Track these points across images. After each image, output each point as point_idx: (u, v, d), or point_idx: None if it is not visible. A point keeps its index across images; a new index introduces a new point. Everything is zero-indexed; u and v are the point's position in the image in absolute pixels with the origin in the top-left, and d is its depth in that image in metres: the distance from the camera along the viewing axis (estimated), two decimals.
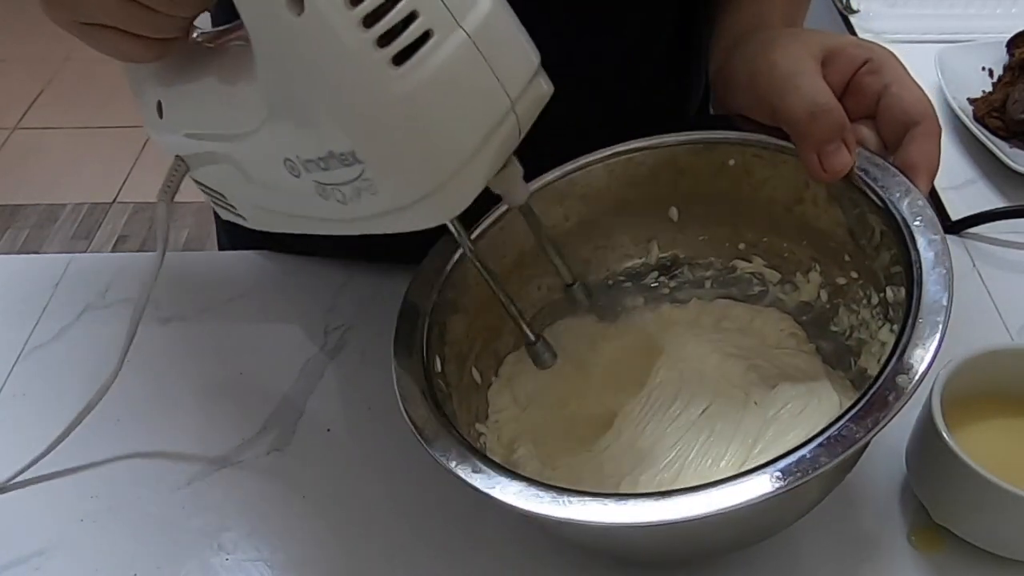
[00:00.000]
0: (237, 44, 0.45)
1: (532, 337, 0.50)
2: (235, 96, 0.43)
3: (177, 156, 0.49)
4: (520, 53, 0.40)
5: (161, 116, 0.49)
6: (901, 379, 0.40)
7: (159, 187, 0.49)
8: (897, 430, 0.51)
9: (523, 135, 0.41)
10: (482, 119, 0.39)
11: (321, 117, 0.38)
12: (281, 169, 0.42)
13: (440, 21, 0.37)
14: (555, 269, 0.52)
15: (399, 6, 0.36)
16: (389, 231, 0.42)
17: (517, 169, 0.44)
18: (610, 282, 0.60)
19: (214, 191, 0.50)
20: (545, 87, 0.41)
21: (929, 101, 0.51)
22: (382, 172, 0.39)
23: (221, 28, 0.46)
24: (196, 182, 0.50)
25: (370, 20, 0.35)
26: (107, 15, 0.42)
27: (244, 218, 0.50)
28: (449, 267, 0.52)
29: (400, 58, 0.36)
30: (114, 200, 2.19)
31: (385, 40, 0.36)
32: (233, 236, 0.79)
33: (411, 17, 0.36)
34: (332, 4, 0.35)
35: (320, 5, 0.35)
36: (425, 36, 0.36)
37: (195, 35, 0.47)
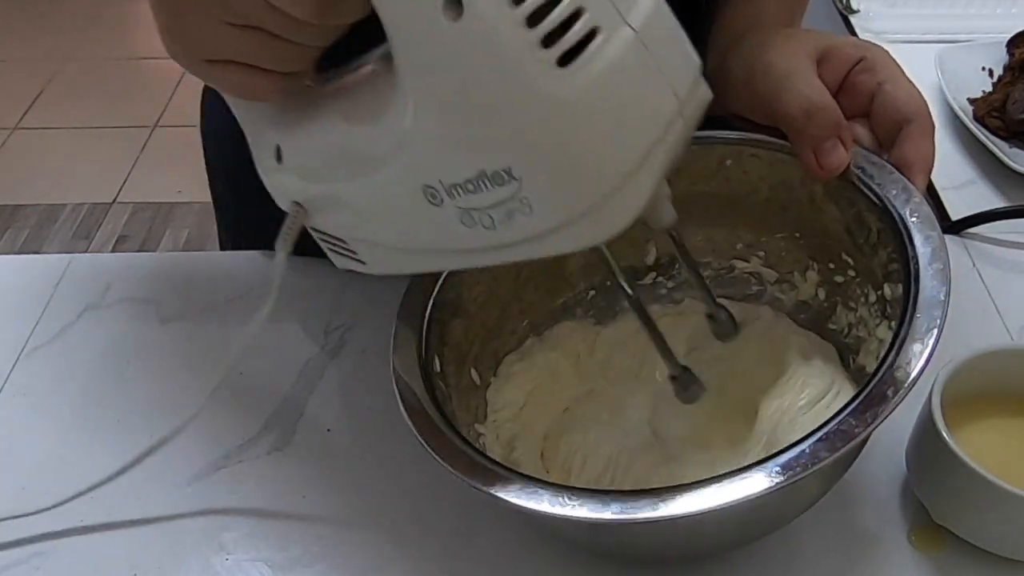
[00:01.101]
0: (363, 79, 0.42)
1: (678, 368, 0.46)
2: (364, 130, 0.40)
3: (295, 203, 0.46)
4: (684, 52, 0.37)
5: (280, 161, 0.46)
6: (899, 373, 0.40)
7: (279, 237, 0.47)
8: (897, 430, 0.52)
9: (689, 141, 0.38)
10: (652, 123, 0.36)
11: (476, 131, 0.36)
12: (419, 199, 0.39)
13: (606, 18, 0.34)
14: (703, 297, 0.49)
15: (563, 3, 0.33)
16: (537, 256, 0.39)
17: (665, 189, 0.41)
18: (608, 283, 0.60)
19: (332, 238, 0.47)
20: (708, 91, 0.39)
21: (922, 98, 0.51)
22: (541, 187, 0.36)
23: (337, 70, 0.44)
24: (313, 231, 0.48)
25: (533, 20, 0.33)
26: (232, 49, 0.40)
27: (364, 263, 0.47)
28: None
29: (566, 59, 0.33)
30: (114, 200, 2.20)
31: (549, 40, 0.33)
32: (233, 236, 0.79)
33: (576, 15, 0.33)
34: (494, 4, 0.32)
35: (480, 6, 0.32)
36: (591, 34, 0.34)
37: (308, 83, 0.44)
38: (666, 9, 0.36)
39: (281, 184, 0.47)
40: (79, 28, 2.81)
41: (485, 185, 0.36)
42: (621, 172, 0.36)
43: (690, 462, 0.51)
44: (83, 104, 2.51)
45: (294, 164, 0.46)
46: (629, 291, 0.45)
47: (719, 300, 0.51)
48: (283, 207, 0.48)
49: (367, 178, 0.41)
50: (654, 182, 0.37)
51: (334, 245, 0.48)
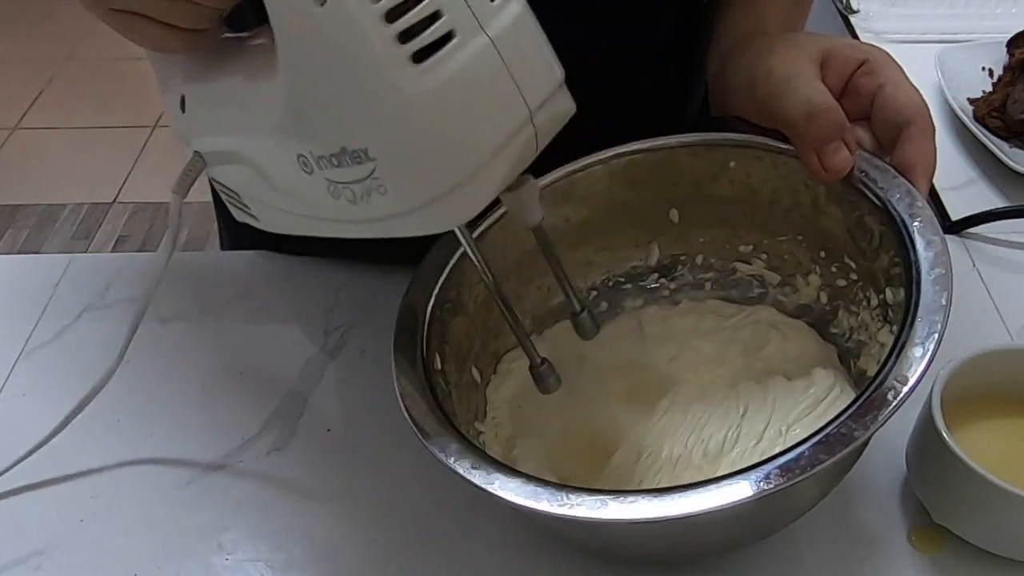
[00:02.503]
0: (261, 44, 0.45)
1: (538, 360, 0.48)
2: (256, 92, 0.43)
3: (196, 152, 0.49)
4: (543, 65, 0.39)
5: (184, 111, 0.48)
6: (899, 378, 0.40)
7: (174, 180, 0.49)
8: (897, 430, 0.52)
9: (540, 149, 0.41)
10: (498, 126, 0.38)
11: (336, 111, 0.38)
12: (294, 166, 0.41)
13: (464, 23, 0.36)
14: (565, 295, 0.50)
15: (423, 4, 0.35)
16: (396, 235, 0.41)
17: (533, 188, 0.43)
18: (610, 283, 0.60)
19: (229, 190, 0.50)
20: (567, 104, 0.41)
21: (923, 100, 0.51)
22: (392, 171, 0.38)
23: (255, 30, 0.46)
24: (212, 180, 0.50)
25: (392, 15, 0.35)
26: (143, 4, 0.42)
27: (256, 218, 0.50)
28: (450, 266, 0.52)
29: (420, 56, 0.36)
30: (114, 200, 2.19)
31: (406, 37, 0.36)
32: (233, 236, 0.79)
33: (435, 16, 0.36)
34: None
35: None
36: (447, 36, 0.36)
37: (225, 34, 0.46)
38: (530, 21, 0.39)
39: (184, 132, 0.49)
40: (79, 28, 2.81)
41: (346, 161, 0.39)
42: (466, 169, 0.38)
43: (688, 463, 0.51)
44: (83, 104, 2.51)
45: (195, 116, 0.48)
46: (488, 281, 0.47)
47: (709, 314, 0.52)
48: (186, 153, 0.50)
49: (253, 140, 0.44)
50: (499, 181, 0.40)
51: (231, 198, 0.50)
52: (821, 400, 0.51)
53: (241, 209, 0.50)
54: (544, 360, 0.49)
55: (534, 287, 0.58)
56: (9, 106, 2.51)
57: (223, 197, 0.51)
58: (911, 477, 0.51)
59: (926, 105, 0.51)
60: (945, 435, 0.47)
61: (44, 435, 0.55)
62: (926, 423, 0.49)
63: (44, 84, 2.60)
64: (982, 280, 0.64)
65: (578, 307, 0.50)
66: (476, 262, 0.47)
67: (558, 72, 0.40)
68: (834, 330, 0.55)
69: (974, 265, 0.66)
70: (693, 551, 0.50)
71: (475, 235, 0.54)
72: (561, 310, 0.59)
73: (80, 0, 0.44)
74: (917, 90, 0.51)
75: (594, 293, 0.60)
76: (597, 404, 0.56)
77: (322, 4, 0.35)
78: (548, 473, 0.52)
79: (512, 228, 0.54)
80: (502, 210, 0.54)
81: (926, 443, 0.49)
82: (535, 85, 0.39)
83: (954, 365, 0.50)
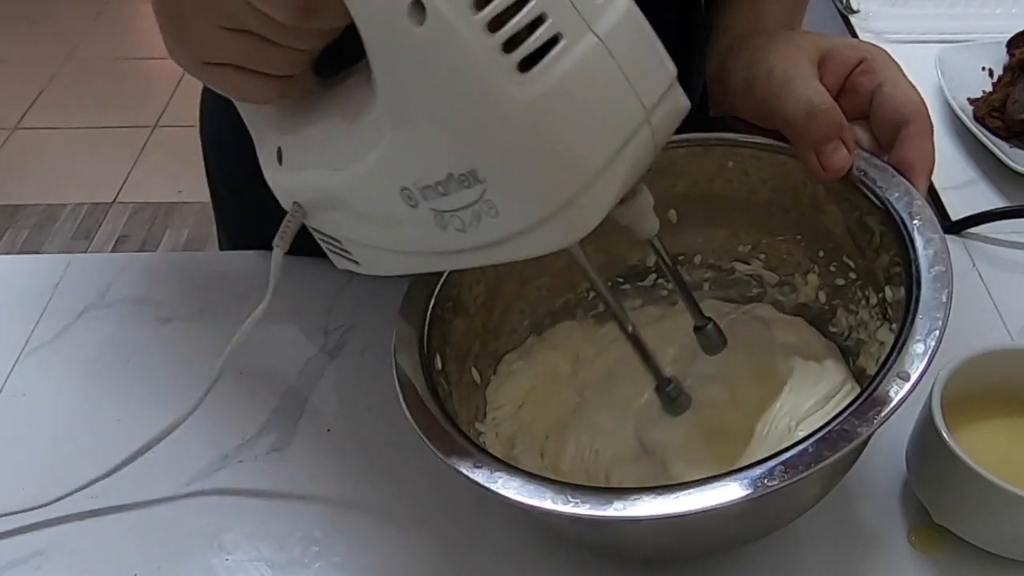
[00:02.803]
0: (355, 83, 0.43)
1: (665, 378, 0.46)
2: (353, 132, 0.41)
3: (295, 203, 0.47)
4: (656, 61, 0.37)
5: (281, 162, 0.47)
6: (902, 374, 0.40)
7: (277, 235, 0.48)
8: (897, 430, 0.52)
9: (658, 150, 0.39)
10: (614, 130, 0.36)
11: (441, 134, 0.36)
12: (397, 200, 0.40)
13: (570, 24, 0.34)
14: (690, 309, 0.49)
15: (526, 8, 0.33)
16: (509, 259, 0.39)
17: (647, 198, 0.42)
18: (608, 283, 0.60)
19: (330, 238, 0.48)
20: (683, 101, 0.39)
21: (921, 99, 0.51)
22: (504, 191, 0.36)
23: (337, 76, 0.45)
24: (312, 230, 0.49)
25: (495, 24, 0.33)
26: (234, 53, 0.41)
27: (359, 263, 0.48)
28: None
29: (527, 64, 0.34)
30: (114, 200, 2.20)
31: (511, 45, 0.34)
32: (233, 236, 0.79)
33: (539, 20, 0.34)
34: (456, 9, 0.33)
35: (443, 10, 0.33)
36: (554, 40, 0.34)
37: (314, 82, 0.45)
38: (638, 17, 0.37)
39: (282, 184, 0.48)
40: (79, 28, 2.82)
41: (453, 187, 0.37)
42: (581, 179, 0.36)
43: (684, 467, 0.51)
44: (83, 104, 2.51)
45: (293, 165, 0.47)
46: (610, 300, 0.46)
47: (711, 308, 0.51)
48: (284, 206, 0.49)
49: (354, 179, 0.42)
50: (618, 189, 0.38)
51: (331, 245, 0.49)
52: (832, 396, 0.51)
53: (342, 255, 0.49)
54: (671, 379, 0.46)
55: (534, 287, 0.58)
56: (9, 106, 2.51)
57: (323, 246, 0.50)
58: (911, 477, 0.51)
59: (924, 104, 0.51)
60: (945, 435, 0.47)
61: (46, 435, 0.55)
62: (926, 423, 0.49)
63: (44, 84, 2.60)
64: (982, 280, 0.65)
65: (703, 321, 0.48)
66: (595, 280, 0.44)
67: (671, 67, 0.38)
68: (833, 329, 0.55)
69: (974, 265, 0.66)
70: (694, 550, 0.50)
71: None
72: (561, 311, 0.59)
73: (170, 54, 0.43)
74: (915, 89, 0.51)
75: (593, 293, 0.60)
76: (598, 404, 0.56)
77: (421, 23, 0.33)
78: (549, 473, 0.52)
79: None
80: None
81: (926, 443, 0.49)
82: (649, 83, 0.37)
83: (954, 365, 0.50)
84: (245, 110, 0.49)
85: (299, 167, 0.46)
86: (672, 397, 0.47)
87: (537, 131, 0.35)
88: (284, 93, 0.44)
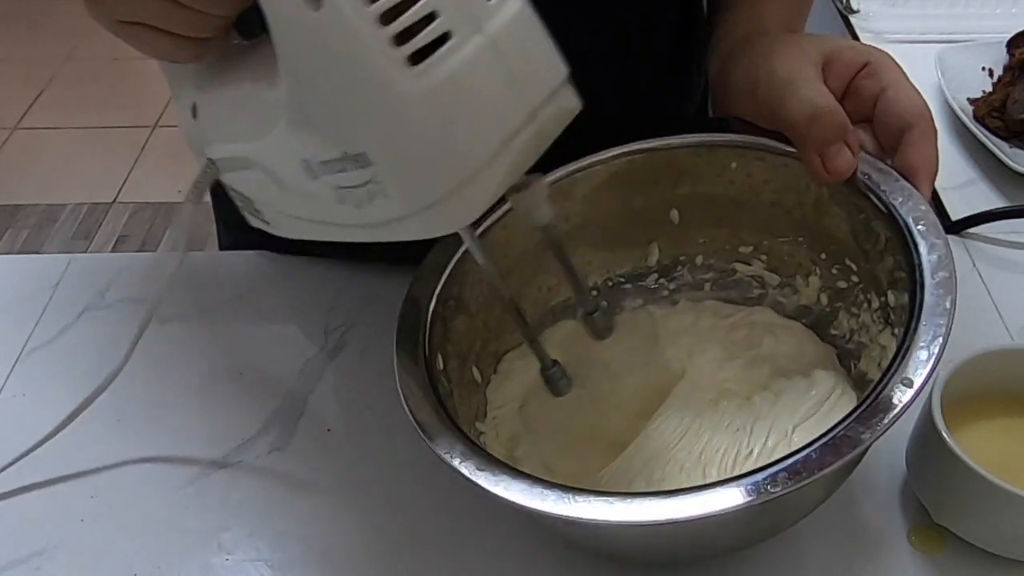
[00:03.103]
0: (267, 49, 0.44)
1: (548, 362, 0.48)
2: (262, 97, 0.43)
3: (208, 158, 0.48)
4: (544, 62, 0.39)
5: (195, 117, 0.48)
6: (905, 381, 0.40)
7: (186, 186, 0.48)
8: (897, 430, 0.51)
9: (544, 148, 0.40)
10: (498, 126, 0.38)
11: (335, 116, 0.38)
12: (300, 172, 0.41)
13: (460, 23, 0.36)
14: (577, 294, 0.50)
15: (417, 5, 0.35)
16: (402, 238, 0.41)
17: (541, 188, 0.43)
18: (610, 283, 0.60)
19: (242, 195, 0.49)
20: (572, 101, 0.40)
21: (925, 104, 0.51)
22: (393, 175, 0.38)
23: (257, 38, 0.46)
24: (224, 185, 0.50)
25: (387, 17, 0.35)
26: (146, 14, 0.42)
27: (268, 223, 0.50)
28: (452, 264, 0.52)
29: (417, 58, 0.35)
30: (114, 200, 2.19)
31: (402, 38, 0.35)
32: (233, 236, 0.79)
33: (430, 17, 0.35)
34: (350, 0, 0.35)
35: (338, 0, 0.35)
36: (444, 37, 0.36)
37: (234, 40, 0.46)
38: (529, 18, 0.38)
39: (196, 138, 0.49)
40: (79, 28, 2.81)
41: (348, 166, 0.39)
42: (466, 170, 0.38)
43: (687, 467, 0.51)
44: (83, 104, 2.51)
45: (206, 122, 0.48)
46: (499, 284, 0.47)
47: (707, 314, 0.52)
48: (198, 161, 0.49)
49: (260, 145, 0.43)
50: (501, 181, 0.39)
51: (244, 203, 0.50)
52: (824, 401, 0.51)
53: (253, 214, 0.50)
54: (555, 362, 0.48)
55: (534, 287, 0.58)
56: (9, 106, 2.51)
57: (237, 204, 0.51)
58: (911, 477, 0.51)
59: (928, 108, 0.51)
60: (945, 435, 0.47)
61: (44, 434, 0.55)
62: (926, 423, 0.49)
63: (44, 84, 2.60)
64: (982, 280, 0.64)
65: (591, 307, 0.49)
66: (483, 262, 0.46)
67: (562, 68, 0.39)
68: (834, 331, 0.55)
69: (974, 265, 0.66)
70: (696, 553, 0.50)
71: (476, 234, 0.54)
72: (562, 310, 0.59)
73: (88, 12, 0.44)
74: (919, 93, 0.51)
75: (594, 293, 0.60)
76: (599, 404, 0.56)
77: (317, 9, 0.35)
78: (551, 473, 0.52)
79: (513, 227, 0.54)
80: (503, 209, 0.54)
81: (926, 443, 0.49)
82: (536, 83, 0.38)
83: (954, 365, 0.50)
84: (163, 63, 0.49)
85: (211, 126, 0.48)
86: (555, 379, 0.48)
87: (423, 123, 0.37)
88: (198, 55, 0.44)
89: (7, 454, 0.57)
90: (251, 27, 0.45)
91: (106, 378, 0.53)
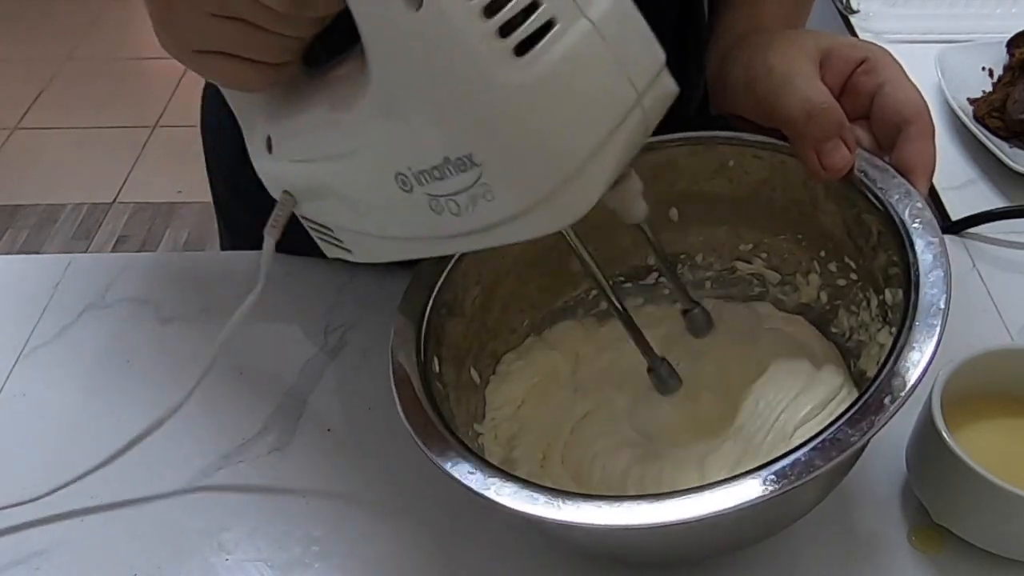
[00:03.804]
0: (345, 72, 0.43)
1: (657, 360, 0.48)
2: (345, 118, 0.42)
3: (285, 191, 0.48)
4: (646, 46, 0.38)
5: (270, 151, 0.47)
6: (897, 382, 0.40)
7: (267, 223, 0.48)
8: (897, 430, 0.51)
9: (649, 133, 0.40)
10: (607, 112, 0.37)
11: (438, 118, 0.37)
12: (392, 186, 0.40)
13: (563, 10, 0.35)
14: (678, 292, 0.50)
15: None
16: (504, 242, 0.40)
17: (635, 183, 0.43)
18: (610, 282, 0.60)
19: (320, 226, 0.49)
20: (672, 85, 0.40)
21: (923, 100, 0.51)
22: (500, 173, 0.37)
23: (326, 64, 0.45)
24: (303, 219, 0.49)
25: (491, 10, 0.34)
26: (224, 41, 0.42)
27: (350, 251, 0.49)
28: (448, 267, 0.52)
29: (522, 49, 0.35)
30: (114, 200, 2.20)
31: (506, 30, 0.34)
32: (233, 236, 0.79)
33: (533, 6, 0.35)
34: None
35: None
36: (548, 25, 0.35)
37: (303, 71, 0.46)
38: (628, 2, 0.37)
39: (271, 173, 0.49)
40: (79, 28, 2.81)
41: (449, 171, 0.38)
42: (575, 161, 0.37)
43: (684, 465, 0.51)
44: (83, 104, 2.51)
45: (283, 153, 0.47)
46: (603, 281, 0.46)
47: (695, 298, 0.52)
48: (274, 195, 0.49)
49: (346, 166, 0.43)
50: (611, 171, 0.39)
51: (323, 234, 0.49)
52: (829, 401, 0.51)
53: (333, 244, 0.49)
54: (663, 359, 0.48)
55: (534, 287, 0.58)
56: (9, 106, 2.51)
57: (313, 235, 0.50)
58: (911, 477, 0.51)
59: (926, 105, 0.51)
60: (945, 435, 0.47)
61: (46, 435, 0.55)
62: (926, 423, 0.49)
63: (44, 84, 2.60)
64: (982, 280, 0.64)
65: (691, 304, 0.49)
66: (589, 263, 0.45)
67: (660, 52, 0.39)
68: (834, 329, 0.55)
69: (974, 265, 0.66)
70: (690, 554, 0.50)
71: None
72: (562, 311, 0.59)
73: (161, 42, 0.43)
74: (917, 90, 0.51)
75: (593, 293, 0.60)
76: (599, 404, 0.56)
77: (417, 9, 0.34)
78: (550, 474, 0.52)
79: None
80: None
81: (926, 443, 0.49)
82: (641, 66, 0.38)
83: (954, 365, 0.50)
84: (234, 98, 0.49)
85: (288, 155, 0.47)
86: (663, 377, 0.48)
87: (533, 114, 0.36)
88: (274, 81, 0.44)
89: (7, 454, 0.57)
90: (316, 56, 0.44)
91: (180, 398, 0.52)
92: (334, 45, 0.42)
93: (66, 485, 0.53)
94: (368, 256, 0.48)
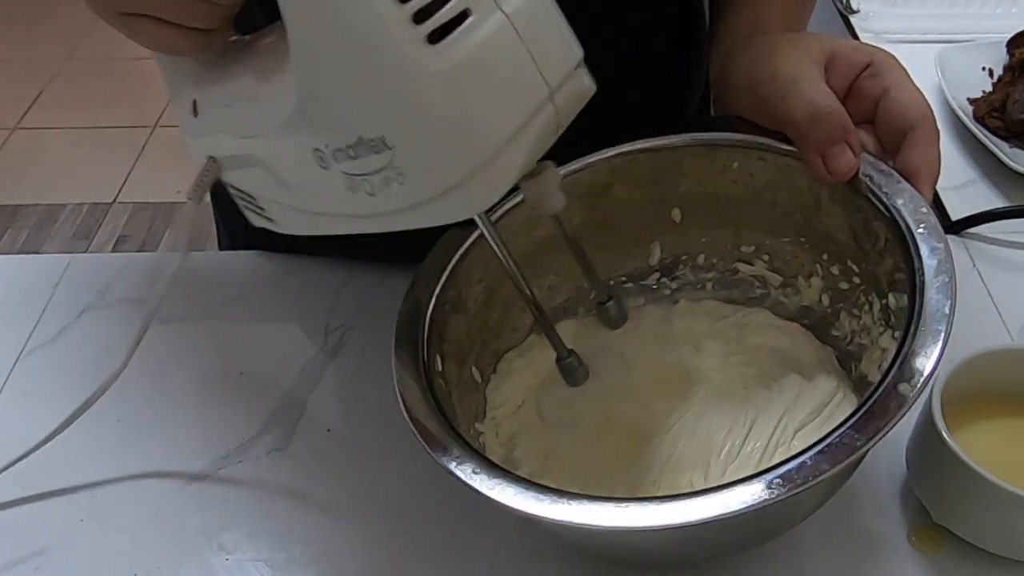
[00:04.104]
0: (272, 42, 0.44)
1: (565, 352, 0.48)
2: (268, 90, 0.42)
3: (209, 157, 0.48)
4: (561, 43, 0.39)
5: (196, 115, 0.48)
6: (903, 387, 0.40)
7: (188, 186, 0.48)
8: (897, 430, 0.51)
9: (561, 130, 0.40)
10: (518, 106, 0.37)
11: (352, 99, 0.37)
12: (310, 162, 0.41)
13: (480, 1, 0.36)
14: (590, 284, 0.50)
15: None
16: (416, 226, 0.40)
17: (554, 174, 0.43)
18: (611, 282, 0.60)
19: (244, 193, 0.49)
20: (588, 83, 0.40)
21: (928, 105, 0.51)
22: (412, 158, 0.38)
23: (260, 31, 0.46)
24: (226, 184, 0.50)
25: None
26: (151, 5, 0.42)
27: (273, 221, 0.49)
28: (451, 265, 0.52)
29: (436, 37, 0.35)
30: (114, 200, 2.19)
31: (421, 17, 0.35)
32: (233, 236, 0.79)
33: None
34: None
35: None
36: (463, 15, 0.35)
37: (233, 38, 0.46)
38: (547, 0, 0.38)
39: (197, 138, 0.49)
40: (79, 28, 2.81)
41: (363, 152, 0.38)
42: (485, 151, 0.37)
43: (690, 467, 0.51)
44: (83, 104, 2.51)
45: (208, 119, 0.47)
46: (514, 272, 0.46)
47: (707, 314, 0.53)
48: (199, 160, 0.49)
49: (267, 138, 0.43)
50: (521, 163, 0.39)
51: (247, 202, 0.50)
52: (825, 405, 0.51)
53: (256, 212, 0.50)
54: (571, 352, 0.48)
55: (536, 286, 0.57)
56: (9, 106, 2.51)
57: (238, 202, 0.51)
58: (911, 477, 0.51)
59: (931, 109, 0.50)
60: (945, 435, 0.47)
61: (45, 435, 0.55)
62: (926, 423, 0.49)
63: (44, 84, 2.60)
64: (982, 280, 0.64)
65: (604, 296, 0.49)
66: (497, 249, 0.46)
67: (577, 50, 0.39)
68: (835, 333, 0.55)
69: (974, 265, 0.66)
70: (693, 556, 0.50)
71: (476, 234, 0.54)
72: (563, 310, 0.59)
73: (88, 4, 0.43)
74: (922, 94, 0.51)
75: (593, 293, 0.60)
76: (600, 404, 0.56)
77: None
78: (549, 474, 0.52)
79: (510, 228, 0.54)
80: (502, 209, 0.54)
81: (926, 443, 0.49)
82: (554, 62, 0.38)
83: (954, 365, 0.50)
84: (162, 61, 0.49)
85: (213, 122, 0.47)
86: (571, 369, 0.48)
87: (443, 103, 0.36)
88: (202, 47, 0.44)
89: (7, 454, 0.57)
90: (250, 22, 0.45)
91: (105, 380, 0.53)
92: (266, 11, 0.42)
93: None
94: (290, 227, 0.48)
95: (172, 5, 0.41)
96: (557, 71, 0.38)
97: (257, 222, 0.51)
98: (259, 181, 0.46)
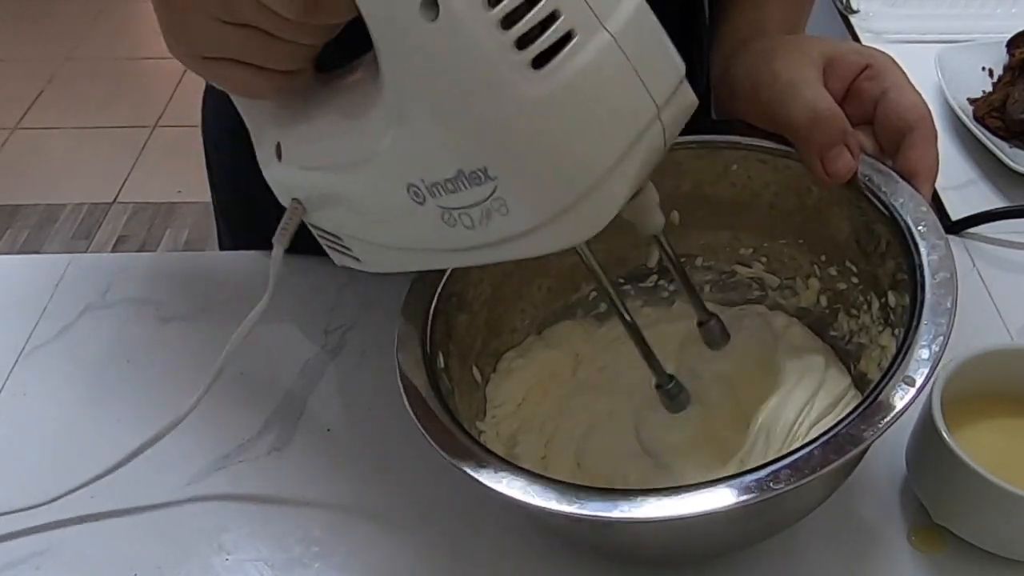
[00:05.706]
0: (358, 80, 0.43)
1: (666, 378, 0.47)
2: (357, 127, 0.41)
3: (294, 199, 0.47)
4: (666, 58, 0.38)
5: (280, 158, 0.47)
6: (907, 379, 0.40)
7: (277, 232, 0.48)
8: (897, 430, 0.51)
9: (668, 147, 0.39)
10: (626, 126, 0.36)
11: (451, 131, 0.36)
12: (404, 198, 0.39)
13: (583, 21, 0.34)
14: (693, 304, 0.49)
15: (539, 6, 0.34)
16: (517, 257, 0.39)
17: (653, 195, 0.42)
18: (614, 288, 0.60)
19: (329, 234, 0.48)
20: (691, 97, 0.39)
21: (926, 106, 0.51)
22: (516, 187, 0.36)
23: (338, 71, 0.45)
24: (311, 227, 0.49)
25: (508, 21, 0.33)
26: (234, 48, 0.41)
27: (359, 260, 0.48)
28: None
29: (539, 62, 0.34)
30: (114, 200, 2.20)
31: (524, 42, 0.34)
32: (233, 236, 0.79)
33: (551, 17, 0.34)
34: (469, 6, 0.33)
35: (456, 8, 0.33)
36: (566, 38, 0.34)
37: (315, 77, 0.45)
38: (648, 14, 0.37)
39: (281, 180, 0.48)
40: (79, 28, 2.82)
41: (463, 184, 0.37)
42: (594, 175, 0.36)
43: (684, 465, 0.51)
44: (83, 104, 2.51)
45: (293, 160, 0.46)
46: (614, 296, 0.45)
47: (711, 308, 0.51)
48: (283, 203, 0.48)
49: (357, 175, 0.42)
50: (630, 185, 0.38)
51: (331, 242, 0.49)
52: (837, 403, 0.51)
53: (342, 252, 0.49)
54: (672, 377, 0.47)
55: (535, 287, 0.58)
56: (9, 106, 2.51)
57: (322, 243, 0.50)
58: (911, 477, 0.51)
59: (929, 110, 0.51)
60: (945, 435, 0.47)
61: (46, 435, 0.55)
62: (926, 423, 0.49)
63: (44, 84, 2.60)
64: (982, 280, 0.65)
65: (706, 316, 0.48)
66: (601, 278, 0.44)
67: (680, 64, 0.38)
68: (833, 333, 0.55)
69: (974, 265, 0.66)
70: (696, 551, 0.50)
71: None
72: (563, 311, 0.59)
73: (170, 48, 0.43)
74: (920, 95, 0.51)
75: (594, 294, 0.60)
76: (597, 404, 0.56)
77: (433, 19, 0.33)
78: (550, 473, 0.52)
79: None
80: None
81: (926, 443, 0.49)
82: (661, 79, 0.37)
83: (954, 365, 0.50)
84: (243, 105, 0.48)
85: (299, 163, 0.46)
86: (673, 395, 0.47)
87: (550, 128, 0.35)
88: (284, 88, 0.43)
89: (7, 454, 0.57)
90: (328, 61, 0.44)
91: (197, 395, 0.52)
92: (346, 50, 0.42)
93: (66, 494, 0.53)
94: (377, 266, 0.48)
95: (256, 47, 0.40)
96: (664, 88, 0.37)
97: (341, 262, 0.50)
98: (345, 220, 0.45)
